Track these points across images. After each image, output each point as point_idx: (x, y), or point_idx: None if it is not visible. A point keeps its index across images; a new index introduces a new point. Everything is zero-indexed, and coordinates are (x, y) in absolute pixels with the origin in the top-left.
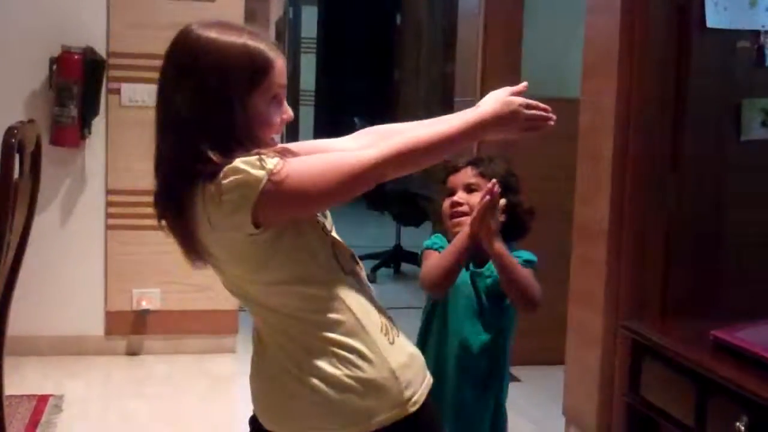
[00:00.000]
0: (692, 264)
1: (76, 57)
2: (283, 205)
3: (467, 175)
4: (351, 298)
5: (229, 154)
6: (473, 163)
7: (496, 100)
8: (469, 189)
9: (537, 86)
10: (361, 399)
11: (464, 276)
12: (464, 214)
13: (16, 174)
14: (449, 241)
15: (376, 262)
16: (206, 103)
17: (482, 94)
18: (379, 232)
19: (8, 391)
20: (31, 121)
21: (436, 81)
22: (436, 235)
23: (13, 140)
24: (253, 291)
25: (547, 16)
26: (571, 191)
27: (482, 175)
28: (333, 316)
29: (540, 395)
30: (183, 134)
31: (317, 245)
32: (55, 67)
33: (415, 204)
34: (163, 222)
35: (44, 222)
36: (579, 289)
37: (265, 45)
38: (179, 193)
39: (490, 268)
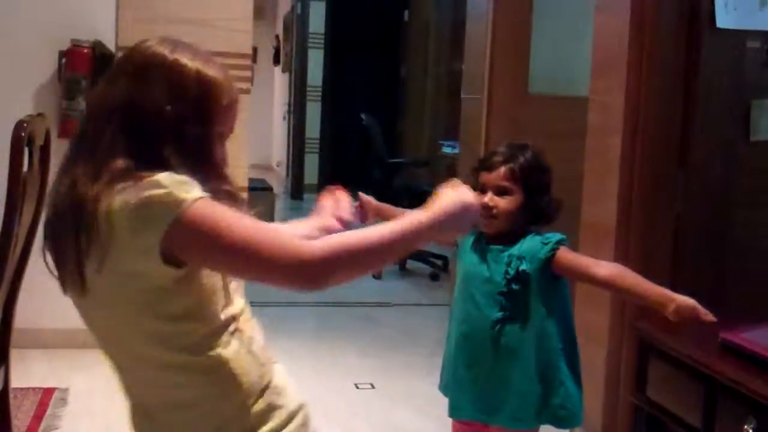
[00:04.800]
0: (700, 264)
1: (85, 51)
2: (190, 244)
3: (500, 176)
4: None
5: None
6: (506, 162)
7: (449, 199)
8: (500, 191)
9: (545, 84)
10: None
11: (475, 263)
12: (493, 217)
13: (25, 167)
14: (477, 230)
15: None
16: (185, 102)
17: (490, 92)
18: None
19: (13, 383)
20: (40, 114)
21: (444, 78)
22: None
23: (23, 134)
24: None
25: (556, 13)
26: (579, 190)
27: (514, 177)
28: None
29: None
30: (147, 130)
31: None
32: (64, 60)
33: (422, 200)
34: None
35: None
36: (586, 288)
37: (226, 76)
38: (92, 205)
39: (511, 252)
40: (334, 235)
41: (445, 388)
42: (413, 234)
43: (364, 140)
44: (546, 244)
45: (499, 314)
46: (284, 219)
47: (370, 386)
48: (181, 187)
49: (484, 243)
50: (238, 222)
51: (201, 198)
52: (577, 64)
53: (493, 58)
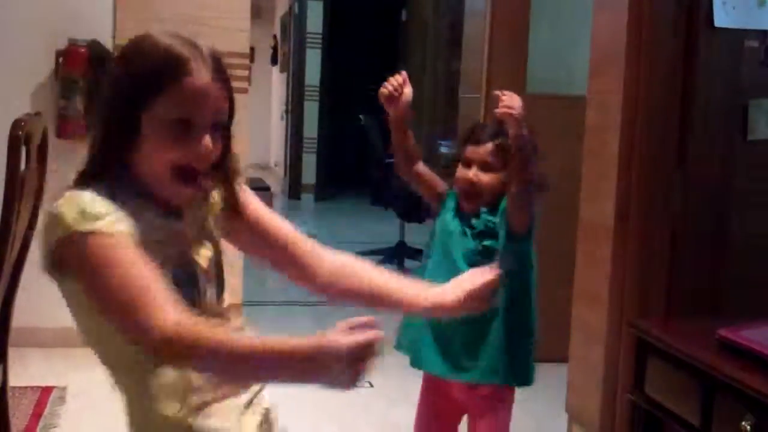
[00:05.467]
0: (697, 263)
1: (82, 50)
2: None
3: (487, 151)
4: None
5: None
6: (495, 137)
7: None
8: (486, 167)
9: (543, 84)
10: None
11: (455, 226)
12: (476, 194)
13: (22, 167)
14: (459, 200)
15: (380, 258)
16: (114, 99)
17: (488, 92)
18: (383, 228)
19: (12, 382)
20: (37, 114)
21: (442, 78)
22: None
23: (20, 133)
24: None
25: (554, 12)
26: (577, 189)
27: (502, 153)
28: None
29: (543, 393)
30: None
31: None
32: (61, 60)
33: (419, 200)
34: None
35: None
36: (583, 286)
37: (198, 59)
38: None
39: (478, 224)
40: (203, 326)
41: (409, 345)
42: (286, 359)
43: (361, 140)
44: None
45: None
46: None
47: (368, 385)
48: (86, 215)
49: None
50: (115, 272)
51: (99, 229)
52: (575, 63)
53: (491, 58)
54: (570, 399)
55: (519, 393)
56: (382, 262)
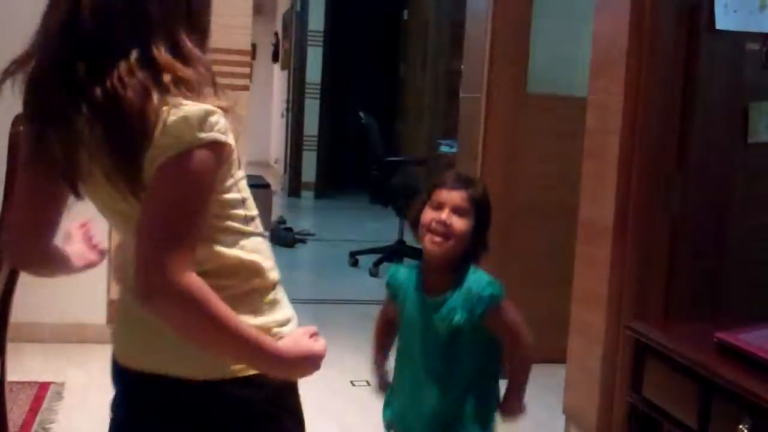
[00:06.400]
0: (696, 265)
1: None
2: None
3: (461, 197)
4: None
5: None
6: (467, 187)
7: (302, 344)
8: (459, 211)
9: (544, 84)
10: None
11: (416, 309)
12: (447, 236)
13: None
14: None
15: (379, 256)
16: None
17: (489, 92)
18: (383, 227)
19: (9, 377)
20: None
21: (442, 77)
22: (398, 267)
23: (21, 128)
24: None
25: (556, 13)
26: (577, 190)
27: (472, 203)
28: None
29: (541, 394)
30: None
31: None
32: None
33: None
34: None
35: None
36: (582, 287)
37: None
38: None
39: (449, 305)
40: (209, 292)
41: (390, 419)
42: (253, 345)
43: (362, 138)
44: (480, 298)
45: (442, 366)
46: (282, 216)
47: (366, 383)
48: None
49: (423, 292)
50: (195, 201)
51: (211, 137)
52: (576, 64)
53: (492, 58)
54: (568, 400)
55: None
56: (381, 261)
